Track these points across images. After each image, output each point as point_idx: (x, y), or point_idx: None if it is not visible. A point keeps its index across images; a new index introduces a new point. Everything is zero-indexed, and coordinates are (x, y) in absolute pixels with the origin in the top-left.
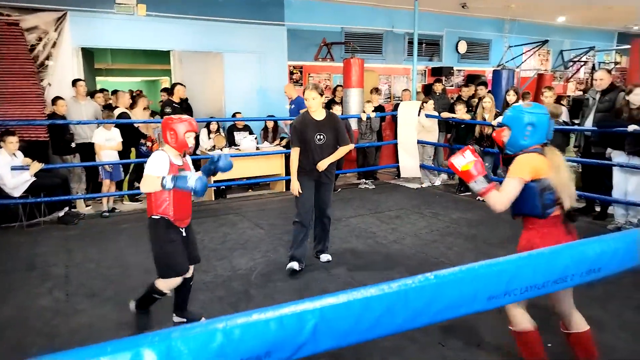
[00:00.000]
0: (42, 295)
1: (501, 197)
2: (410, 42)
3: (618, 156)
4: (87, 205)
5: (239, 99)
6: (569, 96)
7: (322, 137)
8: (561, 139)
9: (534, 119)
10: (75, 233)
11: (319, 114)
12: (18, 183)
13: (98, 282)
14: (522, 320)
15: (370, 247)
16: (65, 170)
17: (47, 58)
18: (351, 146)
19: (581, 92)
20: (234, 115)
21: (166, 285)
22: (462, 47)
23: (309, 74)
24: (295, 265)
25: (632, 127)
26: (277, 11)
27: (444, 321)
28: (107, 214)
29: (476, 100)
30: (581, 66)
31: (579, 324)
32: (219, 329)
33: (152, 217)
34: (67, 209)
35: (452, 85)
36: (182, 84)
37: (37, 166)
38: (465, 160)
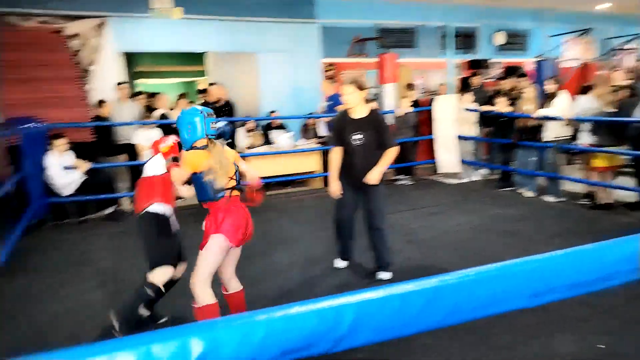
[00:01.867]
0: (92, 290)
1: (175, 176)
2: (445, 36)
3: None
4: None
5: (274, 97)
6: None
7: (360, 137)
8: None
9: (191, 119)
10: (122, 230)
11: (358, 112)
12: (67, 183)
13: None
14: (206, 297)
15: (409, 244)
16: (111, 170)
17: (90, 63)
18: (395, 149)
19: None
20: (270, 114)
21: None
22: (499, 39)
23: (343, 71)
24: (338, 262)
25: None
26: (309, 9)
27: (485, 317)
28: None
29: (516, 92)
30: (628, 54)
31: (236, 286)
32: (261, 321)
33: None
34: (114, 206)
35: (489, 78)
36: (216, 84)
37: (85, 166)
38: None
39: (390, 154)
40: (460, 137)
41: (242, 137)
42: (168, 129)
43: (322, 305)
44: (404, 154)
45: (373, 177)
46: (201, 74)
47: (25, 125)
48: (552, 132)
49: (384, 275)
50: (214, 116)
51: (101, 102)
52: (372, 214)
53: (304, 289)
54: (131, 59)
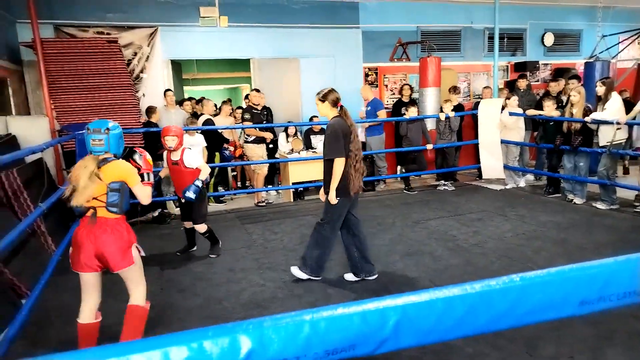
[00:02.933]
0: None
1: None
2: (491, 37)
3: None
4: (177, 207)
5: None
6: None
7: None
8: None
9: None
10: (167, 232)
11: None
12: None
13: (187, 278)
14: (82, 314)
15: (451, 251)
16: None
17: (142, 71)
18: (339, 161)
19: None
20: (311, 119)
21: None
22: (549, 40)
23: (384, 75)
24: (347, 275)
25: None
26: (352, 14)
27: (531, 324)
28: None
29: (566, 95)
30: None
31: (132, 298)
32: (307, 321)
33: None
34: (160, 209)
35: (537, 81)
36: (257, 90)
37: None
38: None
39: (335, 169)
40: (503, 142)
41: (283, 142)
42: (212, 134)
43: (366, 307)
44: (446, 159)
45: (329, 197)
46: (246, 80)
47: (80, 131)
48: (604, 136)
49: (294, 269)
50: (105, 134)
51: (150, 109)
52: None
53: (341, 292)
54: (179, 66)
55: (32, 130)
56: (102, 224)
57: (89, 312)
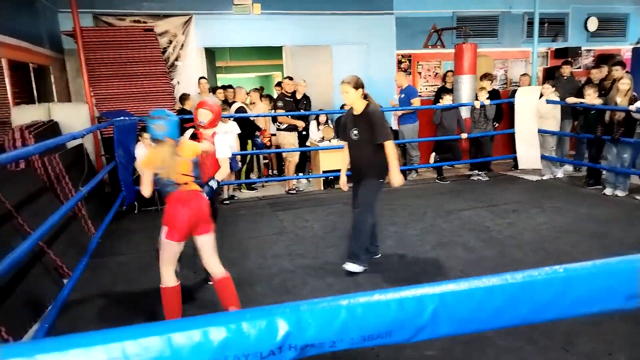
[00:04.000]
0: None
1: (142, 185)
2: (530, 23)
3: None
4: None
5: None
6: None
7: (356, 132)
8: None
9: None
10: None
11: (357, 109)
12: None
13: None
14: (165, 279)
15: (484, 242)
16: None
17: (177, 59)
18: (391, 143)
19: None
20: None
21: None
22: (593, 25)
23: (418, 62)
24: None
25: None
26: (386, 0)
27: (574, 317)
28: (227, 201)
29: (610, 82)
30: None
31: (217, 272)
32: (343, 306)
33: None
34: None
35: (579, 67)
36: (290, 78)
37: None
38: None
39: (390, 150)
40: (542, 131)
41: (315, 130)
42: (244, 121)
43: (404, 294)
44: (481, 148)
45: (395, 180)
46: (278, 68)
47: (118, 118)
48: None
49: (348, 265)
50: (166, 119)
51: (184, 96)
52: (357, 203)
53: (371, 281)
54: (212, 54)
55: (73, 117)
56: (196, 194)
57: (173, 276)
